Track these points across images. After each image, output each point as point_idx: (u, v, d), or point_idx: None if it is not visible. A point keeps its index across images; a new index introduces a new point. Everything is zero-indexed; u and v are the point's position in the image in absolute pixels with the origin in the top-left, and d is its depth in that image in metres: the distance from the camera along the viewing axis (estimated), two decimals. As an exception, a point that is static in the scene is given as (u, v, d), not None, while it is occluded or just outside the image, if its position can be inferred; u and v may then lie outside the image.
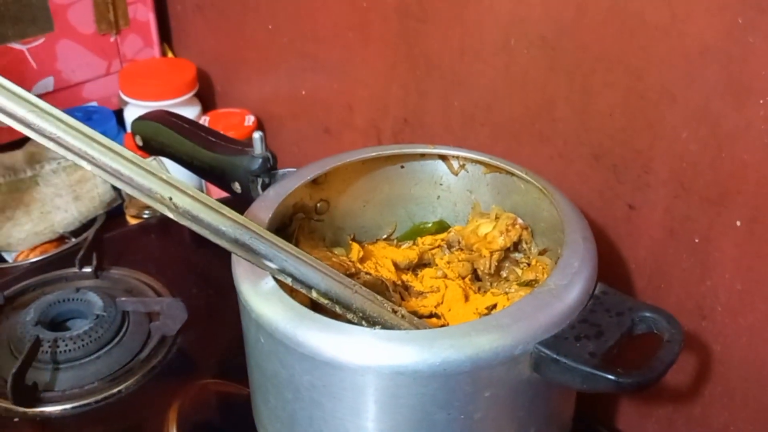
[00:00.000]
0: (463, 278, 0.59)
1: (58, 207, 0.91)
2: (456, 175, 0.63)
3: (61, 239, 0.93)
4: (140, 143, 0.68)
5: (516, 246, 0.60)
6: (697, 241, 0.57)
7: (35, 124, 0.44)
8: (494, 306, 0.55)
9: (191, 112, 1.03)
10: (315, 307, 0.48)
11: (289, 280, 0.48)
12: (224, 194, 0.65)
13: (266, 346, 0.48)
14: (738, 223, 0.54)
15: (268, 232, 0.48)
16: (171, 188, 0.45)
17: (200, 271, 0.78)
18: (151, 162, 0.79)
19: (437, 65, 0.73)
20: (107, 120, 1.02)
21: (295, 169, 0.60)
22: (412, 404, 0.45)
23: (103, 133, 1.05)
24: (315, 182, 0.59)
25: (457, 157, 0.62)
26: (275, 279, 0.48)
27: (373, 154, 0.61)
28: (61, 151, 0.44)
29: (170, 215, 0.46)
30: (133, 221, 0.91)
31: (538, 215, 0.59)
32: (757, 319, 0.55)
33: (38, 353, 0.65)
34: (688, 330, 0.59)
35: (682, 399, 0.62)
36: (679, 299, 0.59)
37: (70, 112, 1.03)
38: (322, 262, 0.50)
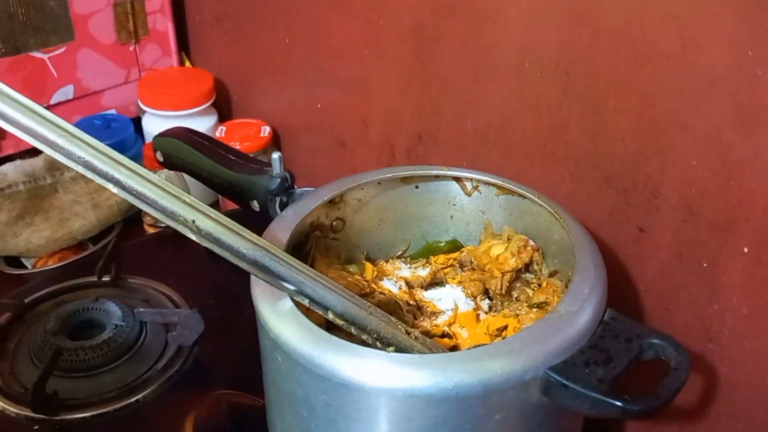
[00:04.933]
0: (475, 298, 0.60)
1: (77, 214, 0.93)
2: (469, 195, 0.64)
3: (79, 246, 0.94)
4: (161, 159, 0.69)
5: (527, 267, 0.61)
6: (705, 265, 0.58)
7: (64, 148, 0.45)
8: (505, 327, 0.56)
9: (208, 121, 1.04)
10: (330, 327, 0.50)
11: (306, 302, 0.49)
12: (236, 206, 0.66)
13: (283, 365, 0.49)
14: (745, 250, 0.55)
15: (287, 255, 0.49)
16: (194, 211, 0.47)
17: (216, 282, 0.80)
18: (170, 175, 0.80)
19: (451, 85, 0.74)
20: (126, 128, 1.04)
21: (312, 189, 0.61)
22: (424, 426, 0.46)
23: (122, 141, 1.06)
24: (331, 201, 0.61)
25: (471, 179, 0.63)
26: (293, 300, 0.49)
27: (389, 174, 0.62)
28: (89, 174, 0.46)
29: (192, 237, 0.47)
30: (150, 230, 0.93)
31: (549, 237, 0.60)
32: (762, 343, 0.56)
33: (58, 362, 0.67)
34: (694, 352, 0.60)
35: (687, 419, 0.63)
36: (686, 321, 0.60)
37: (89, 119, 1.05)
38: (338, 284, 0.51)
